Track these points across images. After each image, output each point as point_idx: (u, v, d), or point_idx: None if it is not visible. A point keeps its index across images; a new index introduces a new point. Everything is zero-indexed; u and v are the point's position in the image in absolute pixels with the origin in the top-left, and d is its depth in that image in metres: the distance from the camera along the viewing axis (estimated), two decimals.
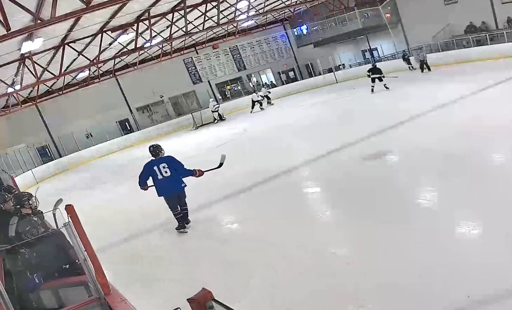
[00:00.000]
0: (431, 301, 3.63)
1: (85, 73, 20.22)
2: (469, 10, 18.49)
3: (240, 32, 25.38)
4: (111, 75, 23.27)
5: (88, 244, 3.27)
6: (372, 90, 16.14)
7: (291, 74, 28.73)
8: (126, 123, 24.75)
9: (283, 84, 27.10)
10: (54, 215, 4.48)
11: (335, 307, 3.99)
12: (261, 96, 21.95)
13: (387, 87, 15.97)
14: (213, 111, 21.84)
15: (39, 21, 7.99)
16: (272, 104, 22.37)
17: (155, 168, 6.61)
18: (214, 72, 25.02)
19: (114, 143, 22.59)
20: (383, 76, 16.09)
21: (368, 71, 16.66)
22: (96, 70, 21.02)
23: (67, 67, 15.68)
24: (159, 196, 6.85)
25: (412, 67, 19.31)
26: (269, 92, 22.85)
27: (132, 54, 18.29)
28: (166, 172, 6.59)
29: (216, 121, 21.70)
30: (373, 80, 16.22)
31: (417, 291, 3.81)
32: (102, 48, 14.01)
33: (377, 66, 16.72)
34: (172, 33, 16.86)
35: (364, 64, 24.07)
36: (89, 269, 3.28)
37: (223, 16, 17.57)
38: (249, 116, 20.85)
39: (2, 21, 7.15)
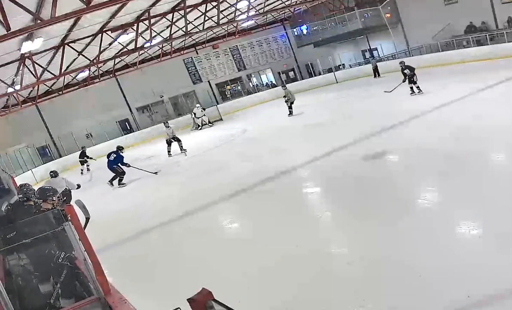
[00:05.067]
0: (431, 301, 3.63)
1: (85, 73, 20.20)
2: (469, 10, 18.48)
3: (240, 32, 25.37)
4: (111, 75, 23.25)
5: (88, 243, 3.27)
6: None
7: (291, 74, 28.72)
8: (126, 123, 24.72)
9: (283, 84, 27.09)
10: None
11: (335, 307, 4.00)
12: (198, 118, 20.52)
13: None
14: (198, 118, 20.98)
15: (39, 21, 7.98)
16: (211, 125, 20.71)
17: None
18: (214, 72, 24.98)
19: (114, 144, 22.52)
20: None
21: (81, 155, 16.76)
22: (96, 70, 21.00)
23: (67, 67, 15.66)
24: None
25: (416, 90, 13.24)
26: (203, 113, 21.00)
27: (132, 54, 18.28)
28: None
29: (200, 127, 20.94)
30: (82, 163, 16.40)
31: (417, 291, 3.81)
32: (102, 48, 13.99)
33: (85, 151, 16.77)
34: (172, 33, 16.85)
35: (364, 64, 24.09)
36: (89, 269, 3.28)
37: (223, 16, 17.54)
38: (248, 116, 20.84)
39: (2, 21, 7.14)
